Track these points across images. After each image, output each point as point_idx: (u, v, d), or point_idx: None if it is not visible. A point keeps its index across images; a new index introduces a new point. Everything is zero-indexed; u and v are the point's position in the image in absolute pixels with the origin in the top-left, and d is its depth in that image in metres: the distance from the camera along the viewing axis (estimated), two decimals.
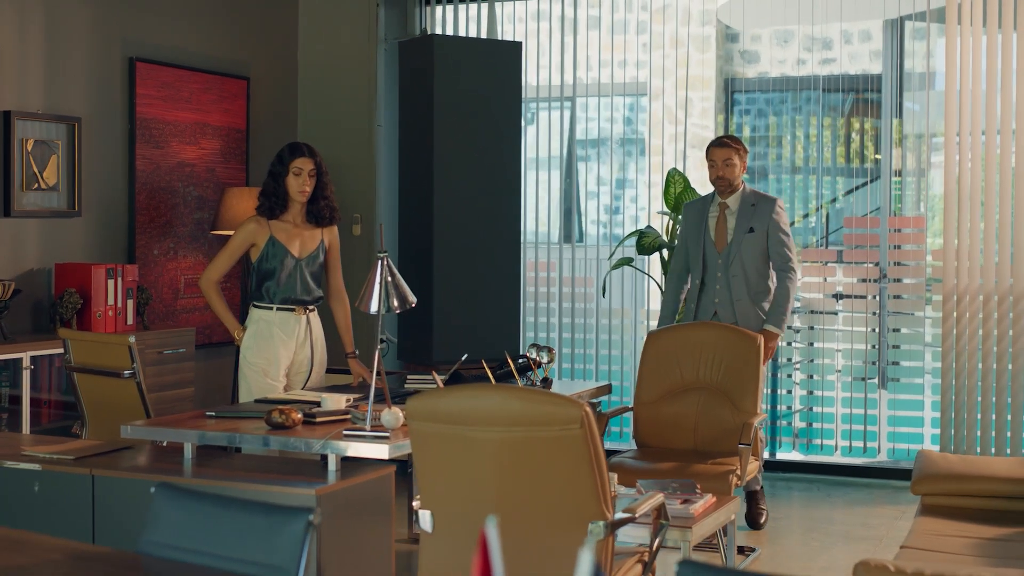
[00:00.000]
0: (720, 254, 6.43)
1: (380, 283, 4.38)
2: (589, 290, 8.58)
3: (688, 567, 2.15)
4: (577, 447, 3.57)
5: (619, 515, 3.72)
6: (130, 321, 6.56)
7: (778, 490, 7.56)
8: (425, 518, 3.80)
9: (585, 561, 1.36)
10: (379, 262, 4.44)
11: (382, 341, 8.20)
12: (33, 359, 5.92)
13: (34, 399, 5.96)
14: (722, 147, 6.37)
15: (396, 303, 4.42)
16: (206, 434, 4.46)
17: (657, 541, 4.01)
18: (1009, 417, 7.31)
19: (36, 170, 6.42)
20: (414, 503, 3.88)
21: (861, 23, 10.92)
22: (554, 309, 8.55)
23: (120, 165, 7.00)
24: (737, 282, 6.38)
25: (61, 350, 5.99)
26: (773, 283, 6.44)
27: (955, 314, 7.39)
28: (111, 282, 6.43)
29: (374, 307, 4.40)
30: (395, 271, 4.45)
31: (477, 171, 7.85)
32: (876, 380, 8.02)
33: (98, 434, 5.36)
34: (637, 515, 3.78)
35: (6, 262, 6.28)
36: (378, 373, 4.37)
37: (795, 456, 8.13)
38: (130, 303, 6.55)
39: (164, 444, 5.01)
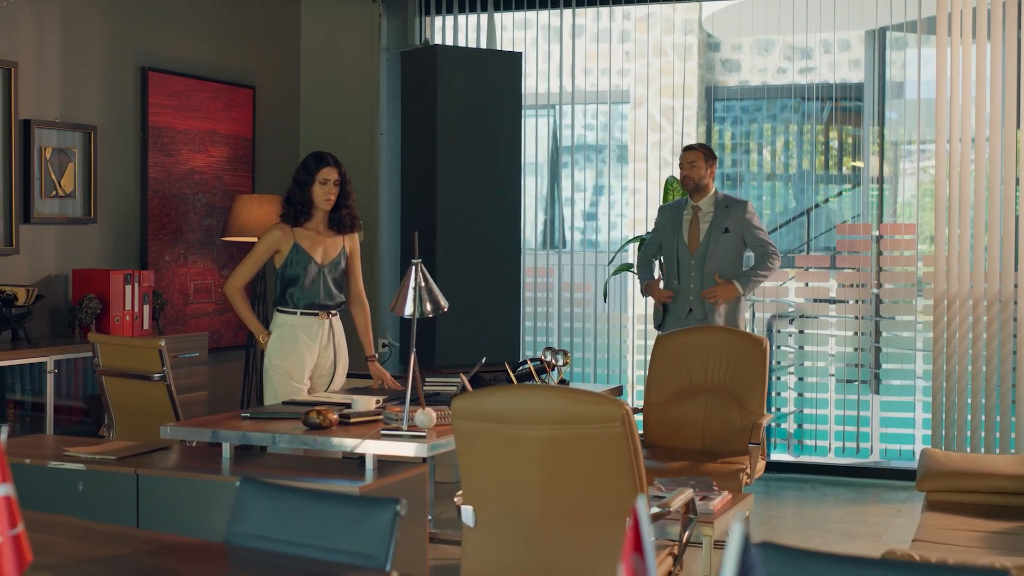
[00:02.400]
0: (693, 255, 6.95)
1: (415, 288, 4.54)
2: (579, 295, 8.75)
3: (766, 549, 2.32)
4: (618, 444, 3.73)
5: (654, 509, 3.89)
6: (146, 326, 6.68)
7: (772, 490, 7.75)
8: (468, 513, 3.96)
9: (736, 532, 1.52)
10: (413, 268, 4.60)
11: (384, 345, 8.36)
12: (56, 363, 6.04)
13: (57, 402, 6.08)
14: (688, 150, 7.01)
15: (429, 307, 4.58)
16: (247, 434, 4.60)
17: (687, 534, 4.18)
18: (998, 418, 7.53)
19: (54, 177, 6.55)
20: (455, 499, 4.04)
21: (841, 33, 11.12)
22: (552, 314, 8.71)
23: (133, 173, 7.13)
24: (710, 279, 6.88)
25: (83, 354, 6.13)
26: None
27: (945, 318, 7.61)
28: (128, 287, 6.56)
29: (408, 311, 4.56)
30: (428, 277, 4.61)
31: (478, 179, 8.02)
32: (867, 383, 8.22)
33: (126, 436, 5.48)
34: (672, 509, 3.95)
35: (26, 268, 6.40)
36: (408, 376, 4.53)
37: (785, 457, 8.32)
38: (146, 308, 6.68)
39: (193, 444, 5.16)
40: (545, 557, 3.88)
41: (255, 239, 7.16)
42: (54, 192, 6.56)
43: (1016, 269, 7.49)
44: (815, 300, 8.42)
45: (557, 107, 9.53)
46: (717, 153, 12.93)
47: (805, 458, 8.30)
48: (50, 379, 5.98)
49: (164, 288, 7.22)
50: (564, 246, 9.85)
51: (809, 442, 8.37)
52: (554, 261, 8.87)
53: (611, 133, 10.14)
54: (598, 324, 8.70)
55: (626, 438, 3.73)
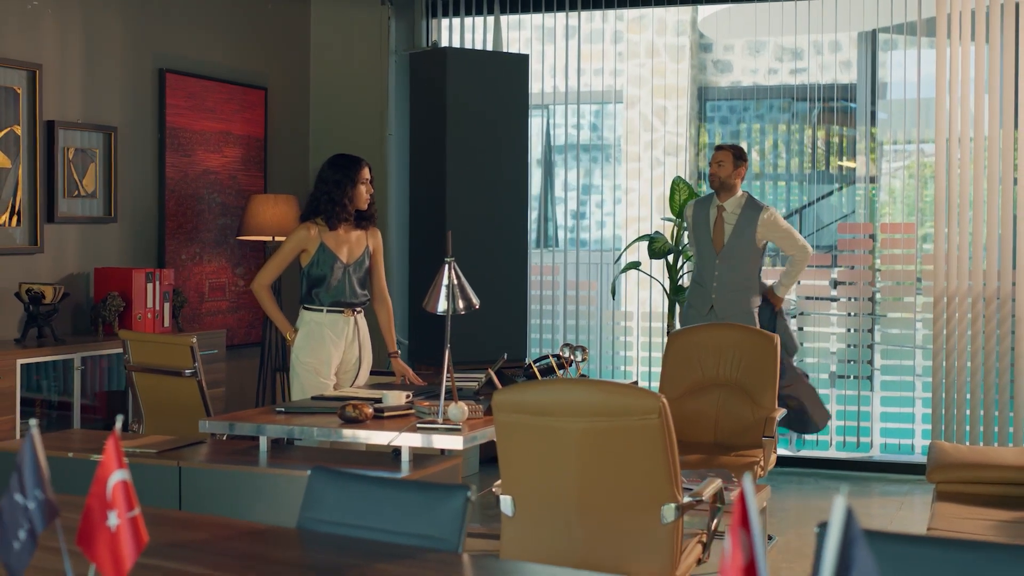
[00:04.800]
0: (718, 255, 7.07)
1: (447, 286, 4.68)
2: (584, 293, 8.90)
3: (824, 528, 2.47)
4: (654, 435, 3.88)
5: (687, 498, 4.04)
6: (166, 324, 6.80)
7: (773, 484, 7.89)
8: (506, 503, 4.10)
9: (839, 505, 1.66)
10: (446, 266, 4.74)
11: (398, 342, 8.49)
12: (83, 360, 6.16)
13: (82, 398, 6.20)
14: (719, 149, 7.14)
15: (462, 305, 4.72)
16: (287, 428, 4.74)
17: (715, 523, 4.33)
18: (997, 413, 7.71)
19: (76, 177, 6.67)
20: (494, 489, 4.18)
21: (831, 35, 11.31)
22: (558, 312, 8.85)
23: (151, 173, 7.25)
24: (732, 277, 7.06)
25: (108, 351, 6.26)
26: (761, 278, 7.15)
27: (945, 315, 7.79)
28: (150, 286, 6.68)
29: (441, 308, 4.70)
30: (461, 275, 4.75)
31: (486, 178, 8.17)
32: (868, 378, 8.39)
33: (155, 431, 5.60)
34: (704, 498, 4.10)
35: (50, 267, 6.52)
36: (443, 371, 4.67)
37: (785, 452, 8.47)
38: (167, 306, 6.81)
39: (224, 438, 5.28)
40: (583, 545, 4.02)
41: (270, 238, 7.31)
42: (76, 192, 6.68)
43: (1015, 267, 7.67)
44: (811, 298, 8.58)
45: (551, 107, 9.69)
46: (707, 152, 13.11)
47: (805, 452, 8.46)
48: (77, 376, 6.10)
49: (180, 286, 7.34)
50: (557, 244, 10.01)
51: (810, 437, 8.53)
52: (551, 260, 9.01)
53: (603, 133, 10.31)
54: (603, 321, 8.85)
55: (663, 430, 3.88)
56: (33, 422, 2.21)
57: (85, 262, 6.74)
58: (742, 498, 1.79)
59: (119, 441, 2.27)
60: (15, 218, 6.31)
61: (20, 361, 5.80)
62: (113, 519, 2.28)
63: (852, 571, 1.69)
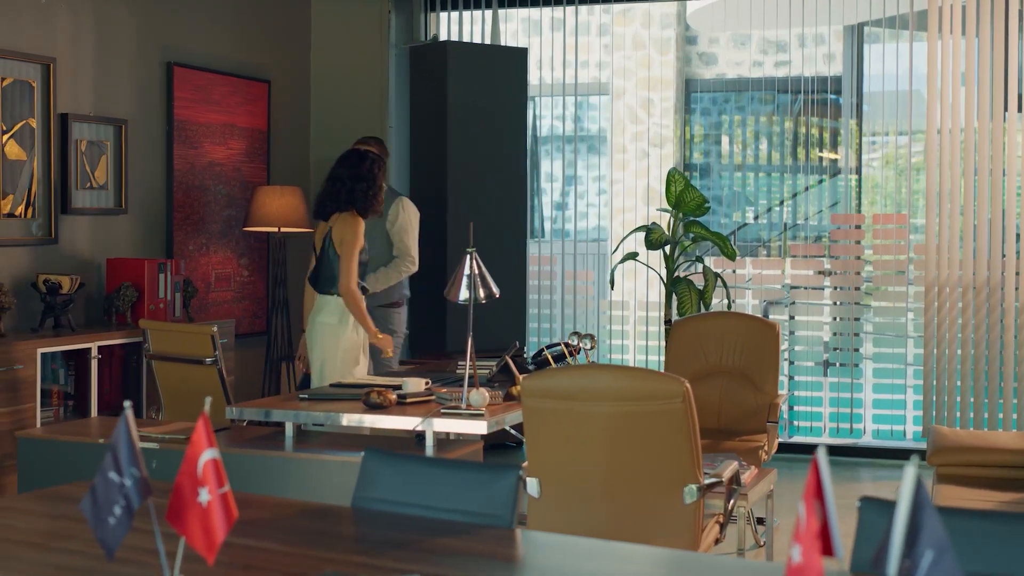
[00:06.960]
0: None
1: (469, 275, 4.82)
2: (576, 282, 9.06)
3: (868, 503, 2.62)
4: (678, 419, 4.03)
5: (708, 480, 4.19)
6: (177, 313, 6.91)
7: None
8: (533, 485, 4.25)
9: (910, 473, 1.81)
10: (468, 256, 4.88)
11: (405, 332, 8.60)
12: (100, 349, 6.26)
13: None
14: (361, 142, 6.87)
15: (483, 294, 4.86)
16: (314, 414, 4.87)
17: (732, 503, 4.49)
18: (986, 399, 7.89)
19: (89, 170, 6.77)
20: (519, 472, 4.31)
21: (816, 28, 11.47)
22: (555, 301, 9.00)
23: (160, 165, 7.35)
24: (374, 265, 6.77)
25: (123, 340, 6.37)
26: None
27: (936, 304, 7.96)
28: (162, 276, 6.79)
29: (463, 297, 4.84)
30: (482, 265, 4.89)
31: (486, 171, 8.30)
32: (858, 366, 8.57)
33: (175, 418, 5.71)
34: (724, 479, 4.25)
35: (64, 258, 6.62)
36: (466, 359, 4.80)
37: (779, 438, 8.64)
38: (178, 296, 6.92)
39: (245, 424, 5.41)
40: (607, 525, 4.17)
41: (275, 229, 7.43)
42: (89, 184, 6.78)
43: (1003, 256, 7.85)
44: (797, 287, 8.73)
45: (536, 99, 9.81)
46: (691, 144, 13.24)
47: (798, 438, 8.62)
48: (94, 364, 6.21)
49: (188, 276, 7.45)
50: (544, 235, 10.14)
51: (803, 423, 8.70)
52: (543, 251, 9.17)
53: (589, 125, 10.42)
54: (599, 311, 9.00)
55: (686, 413, 4.03)
56: (127, 404, 2.33)
57: (97, 253, 6.85)
58: (816, 470, 1.94)
59: (208, 422, 2.40)
60: (30, 210, 6.41)
61: (40, 350, 5.91)
62: (204, 495, 2.41)
63: (922, 533, 1.83)
